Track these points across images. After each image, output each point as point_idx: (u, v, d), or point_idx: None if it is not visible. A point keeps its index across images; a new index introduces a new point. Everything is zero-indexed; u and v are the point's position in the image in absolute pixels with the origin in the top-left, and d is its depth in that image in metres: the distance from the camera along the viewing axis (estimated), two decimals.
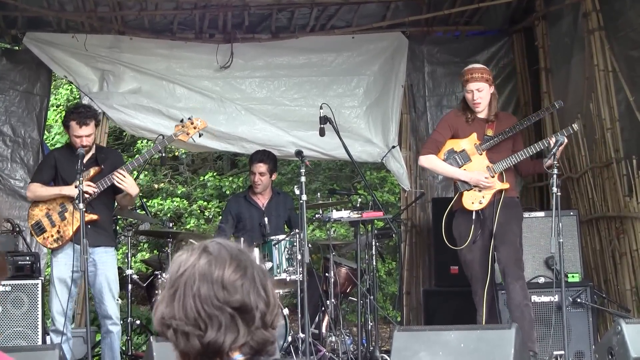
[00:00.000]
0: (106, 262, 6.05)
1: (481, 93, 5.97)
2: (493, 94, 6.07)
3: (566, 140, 5.82)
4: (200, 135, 6.37)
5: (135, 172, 7.69)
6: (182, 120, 6.29)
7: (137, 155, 6.42)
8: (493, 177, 5.95)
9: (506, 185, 5.96)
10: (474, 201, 5.95)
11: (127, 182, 5.97)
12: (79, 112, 6.05)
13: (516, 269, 5.91)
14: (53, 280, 6.00)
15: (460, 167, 6.03)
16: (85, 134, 5.99)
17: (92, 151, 6.13)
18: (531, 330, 5.82)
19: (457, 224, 6.02)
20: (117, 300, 6.09)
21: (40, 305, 6.25)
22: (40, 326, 6.23)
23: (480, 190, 5.94)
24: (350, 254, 8.08)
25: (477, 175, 5.93)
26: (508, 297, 5.90)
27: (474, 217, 5.92)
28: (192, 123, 6.19)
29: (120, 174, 5.93)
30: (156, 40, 8.21)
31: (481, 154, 6.02)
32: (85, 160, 5.96)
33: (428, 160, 6.11)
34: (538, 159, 6.17)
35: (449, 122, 6.15)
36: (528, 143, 6.45)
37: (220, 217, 8.10)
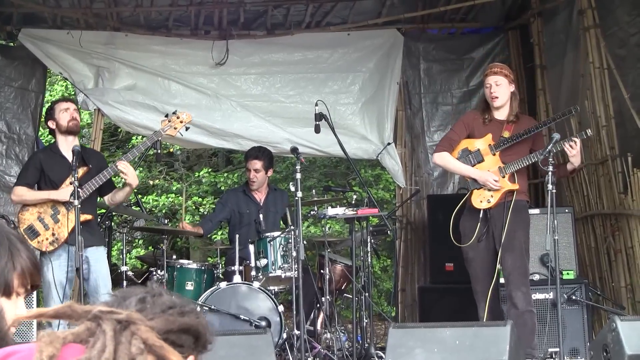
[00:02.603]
0: (98, 259, 6.04)
1: (499, 87, 5.88)
2: (513, 92, 5.95)
3: (578, 139, 5.69)
4: (187, 129, 6.31)
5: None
6: (167, 115, 6.27)
7: (132, 149, 6.42)
8: (504, 177, 5.87)
9: (516, 186, 5.85)
10: (482, 200, 5.88)
11: (130, 172, 5.96)
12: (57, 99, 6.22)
13: (520, 277, 5.79)
14: (48, 281, 5.93)
15: (472, 166, 5.96)
16: (72, 107, 6.13)
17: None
18: (532, 336, 5.72)
19: (464, 221, 5.97)
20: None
21: (35, 306, 6.22)
22: (35, 326, 6.22)
23: (489, 190, 5.87)
24: (346, 250, 8.06)
25: (487, 175, 5.85)
26: (510, 304, 5.76)
27: (480, 216, 5.86)
28: (177, 117, 6.18)
29: (123, 164, 5.92)
30: (152, 37, 8.20)
31: (494, 155, 5.93)
32: (71, 160, 5.85)
33: (440, 157, 6.06)
34: (563, 164, 6.01)
35: (465, 122, 6.08)
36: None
37: (214, 207, 8.06)
